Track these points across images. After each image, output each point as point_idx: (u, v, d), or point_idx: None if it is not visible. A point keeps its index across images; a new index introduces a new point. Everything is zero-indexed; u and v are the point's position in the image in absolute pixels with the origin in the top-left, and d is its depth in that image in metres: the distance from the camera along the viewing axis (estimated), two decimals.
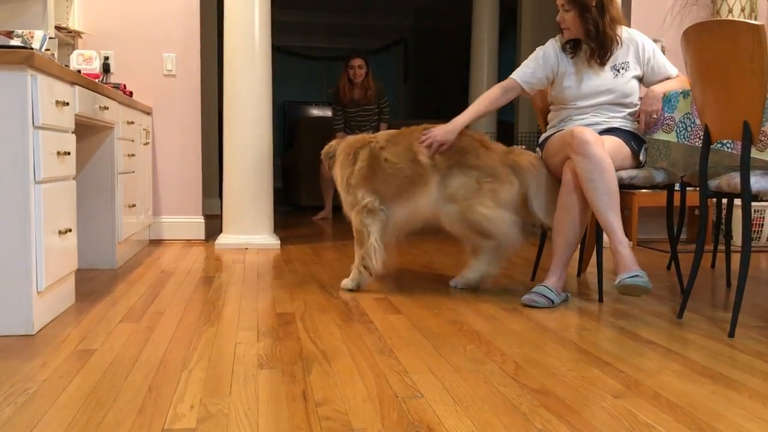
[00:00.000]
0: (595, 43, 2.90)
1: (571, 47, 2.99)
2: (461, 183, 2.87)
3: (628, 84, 2.94)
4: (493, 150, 2.94)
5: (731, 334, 2.29)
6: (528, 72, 3.02)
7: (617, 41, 2.92)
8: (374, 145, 3.02)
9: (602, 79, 2.94)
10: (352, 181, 3.04)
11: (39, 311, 2.30)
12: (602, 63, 2.92)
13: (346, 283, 3.05)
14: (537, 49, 3.08)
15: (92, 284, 3.12)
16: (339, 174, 3.13)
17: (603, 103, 2.94)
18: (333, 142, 3.28)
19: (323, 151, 3.27)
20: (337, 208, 6.52)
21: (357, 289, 3.01)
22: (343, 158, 3.11)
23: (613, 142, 2.83)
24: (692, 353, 2.10)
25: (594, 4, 2.83)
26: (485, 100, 3.06)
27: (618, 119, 2.97)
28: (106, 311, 2.59)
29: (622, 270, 2.57)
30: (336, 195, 6.35)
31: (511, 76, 3.06)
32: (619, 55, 2.94)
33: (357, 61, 5.93)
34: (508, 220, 2.87)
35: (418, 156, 2.92)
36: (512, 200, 2.87)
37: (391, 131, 3.10)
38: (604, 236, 2.74)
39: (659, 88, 2.91)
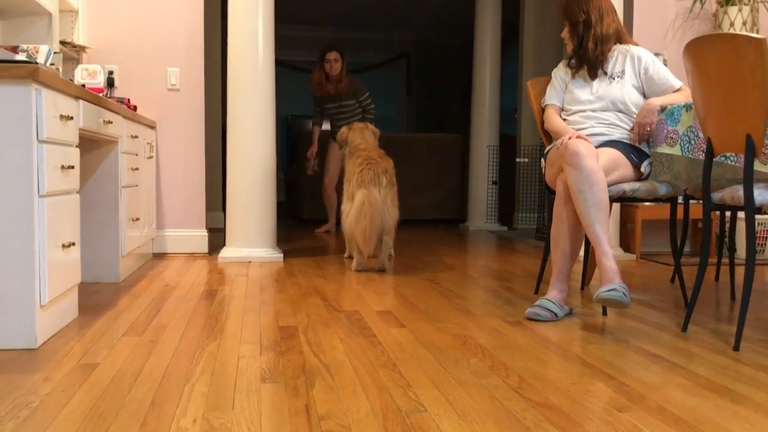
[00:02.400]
0: (578, 58, 3.10)
1: (576, 64, 3.14)
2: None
3: (621, 91, 3.00)
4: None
5: (736, 348, 2.28)
6: (554, 94, 3.22)
7: (603, 56, 3.05)
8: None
9: (596, 87, 3.07)
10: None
11: (42, 325, 2.30)
12: (592, 75, 3.05)
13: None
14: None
15: (95, 298, 3.12)
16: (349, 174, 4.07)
17: (597, 109, 3.01)
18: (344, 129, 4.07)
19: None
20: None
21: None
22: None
23: (611, 154, 2.85)
24: (697, 367, 2.09)
25: (581, 20, 3.03)
26: (561, 121, 3.13)
27: (621, 131, 2.99)
28: (109, 325, 2.59)
29: (604, 282, 2.57)
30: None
31: (547, 103, 3.22)
32: (616, 65, 3.06)
33: (332, 54, 5.86)
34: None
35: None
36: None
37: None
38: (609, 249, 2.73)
39: (657, 101, 2.94)
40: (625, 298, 2.49)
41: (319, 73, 5.93)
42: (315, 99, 6.10)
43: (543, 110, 3.24)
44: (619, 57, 3.06)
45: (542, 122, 3.37)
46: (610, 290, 2.50)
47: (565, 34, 3.09)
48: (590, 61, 3.05)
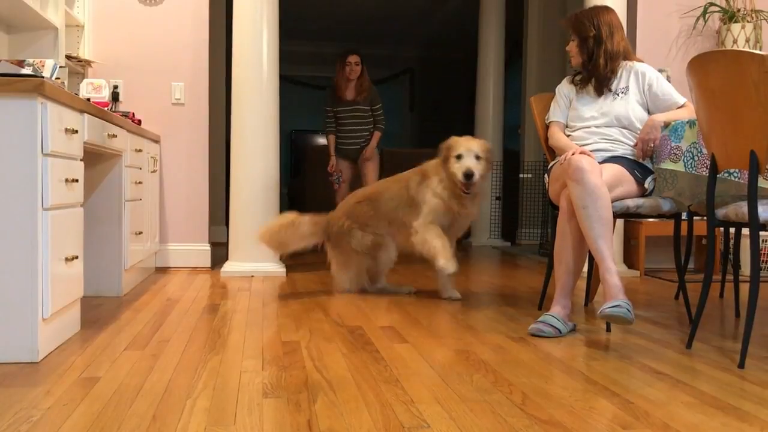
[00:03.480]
0: (586, 72, 3.09)
1: (580, 80, 3.16)
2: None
3: (626, 107, 3.00)
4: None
5: (741, 365, 2.27)
6: (557, 111, 3.22)
7: (613, 74, 3.03)
8: None
9: (600, 103, 3.07)
10: None
11: (44, 338, 2.29)
12: (599, 91, 3.04)
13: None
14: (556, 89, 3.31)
15: (98, 311, 3.11)
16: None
17: (601, 125, 3.01)
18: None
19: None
20: None
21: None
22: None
23: (614, 169, 2.85)
24: (702, 384, 2.07)
25: (591, 35, 3.02)
26: (565, 137, 3.15)
27: (625, 147, 2.99)
28: (111, 339, 2.58)
29: (608, 298, 2.55)
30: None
31: (551, 119, 3.23)
32: (620, 81, 3.08)
33: (353, 58, 5.83)
34: None
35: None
36: None
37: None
38: (612, 265, 2.72)
39: (660, 117, 2.94)
40: (630, 314, 2.48)
41: (341, 77, 5.88)
42: (327, 106, 6.01)
43: (547, 127, 3.24)
44: (623, 73, 3.07)
45: (546, 138, 3.37)
46: (614, 306, 2.49)
47: (572, 48, 3.08)
48: (600, 78, 3.04)
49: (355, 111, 5.92)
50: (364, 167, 6.04)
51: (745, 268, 4.33)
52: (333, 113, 5.95)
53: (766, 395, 1.96)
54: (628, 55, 3.10)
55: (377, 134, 5.99)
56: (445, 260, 3.40)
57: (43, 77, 2.25)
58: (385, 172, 7.52)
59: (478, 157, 3.38)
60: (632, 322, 2.50)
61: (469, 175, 3.32)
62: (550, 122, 3.22)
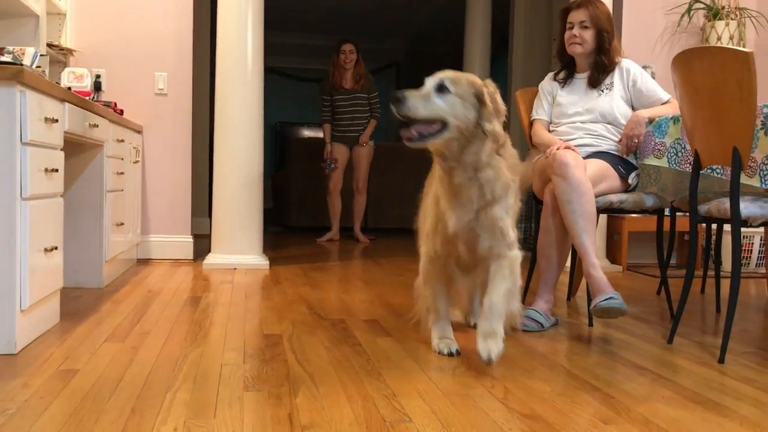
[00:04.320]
0: (593, 63, 3.05)
1: (563, 77, 3.15)
2: None
3: (610, 103, 3.00)
4: None
5: (721, 360, 2.28)
6: (541, 109, 3.20)
7: (612, 67, 3.03)
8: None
9: (585, 98, 3.06)
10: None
11: (22, 330, 2.26)
12: (594, 83, 3.03)
13: (492, 351, 2.12)
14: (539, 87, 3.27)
15: (77, 303, 3.08)
16: (514, 196, 2.27)
17: (586, 121, 3.01)
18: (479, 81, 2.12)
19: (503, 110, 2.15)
20: (345, 229, 6.44)
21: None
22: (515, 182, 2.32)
23: (598, 165, 2.86)
24: (682, 379, 2.08)
25: (609, 29, 3.02)
26: (549, 134, 3.12)
27: (609, 142, 3.00)
28: (90, 331, 2.55)
29: (597, 293, 2.56)
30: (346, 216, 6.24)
31: (534, 117, 3.21)
32: (606, 78, 3.04)
33: (348, 46, 5.89)
34: None
35: None
36: None
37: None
38: (596, 260, 2.72)
39: (644, 113, 2.95)
40: (623, 304, 2.49)
41: (336, 66, 5.91)
42: (324, 95, 6.03)
43: (531, 124, 3.24)
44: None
45: (530, 135, 3.37)
46: (607, 299, 2.49)
47: (584, 35, 2.99)
48: (603, 72, 3.04)
49: (355, 99, 5.96)
50: (357, 155, 6.07)
51: (726, 264, 4.36)
52: (330, 102, 5.96)
53: (745, 390, 1.98)
54: (619, 51, 3.13)
55: (373, 122, 6.06)
56: (435, 340, 2.36)
57: (22, 65, 2.22)
58: (370, 166, 7.50)
59: (441, 88, 2.06)
60: (626, 311, 2.52)
61: (399, 99, 2.04)
62: (533, 120, 3.22)
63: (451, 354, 2.28)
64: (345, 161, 6.06)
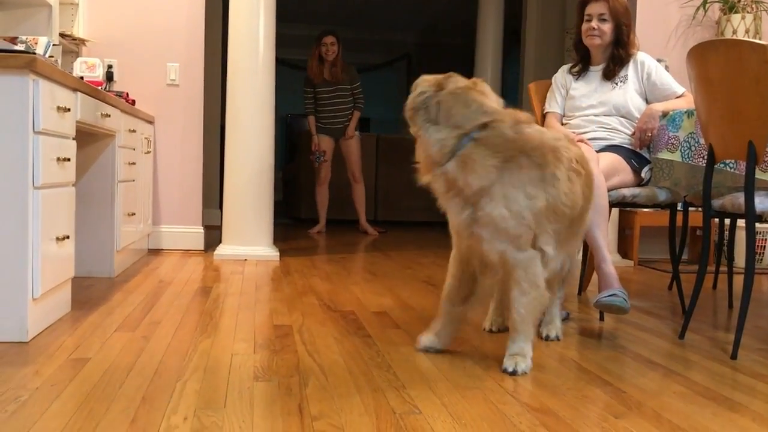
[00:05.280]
0: (616, 51, 3.03)
1: (578, 69, 3.12)
2: None
3: (624, 96, 2.98)
4: None
5: (734, 356, 2.26)
6: (554, 102, 3.18)
7: (628, 60, 3.01)
8: (568, 164, 2.09)
9: (599, 91, 3.05)
10: (538, 209, 2.00)
11: (34, 318, 2.27)
12: (608, 76, 3.01)
13: (518, 365, 2.02)
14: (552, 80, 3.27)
15: (89, 292, 3.09)
16: (508, 185, 1.97)
17: (599, 114, 3.00)
18: (426, 87, 2.06)
19: (411, 101, 2.07)
20: (331, 221, 6.51)
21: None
22: (518, 162, 1.98)
23: (611, 158, 2.85)
24: (694, 374, 2.07)
25: (625, 22, 3.01)
26: (562, 127, 3.10)
27: (622, 136, 2.98)
28: (101, 320, 2.56)
29: (603, 288, 2.55)
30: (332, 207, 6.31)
31: (547, 110, 3.20)
32: (621, 71, 3.02)
33: (329, 38, 5.90)
34: None
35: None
36: None
37: (564, 131, 2.26)
38: (607, 254, 2.71)
39: (659, 107, 2.93)
40: (626, 303, 2.48)
41: (315, 59, 5.94)
42: (307, 87, 6.05)
43: (543, 117, 3.22)
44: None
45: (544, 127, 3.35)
46: (610, 296, 2.48)
47: (603, 28, 2.99)
48: (620, 64, 3.03)
49: (338, 90, 5.99)
50: (346, 146, 6.10)
51: (740, 260, 4.33)
52: (313, 94, 5.99)
53: (757, 386, 1.96)
54: (635, 45, 3.11)
55: (357, 113, 6.08)
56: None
57: (35, 54, 2.22)
58: (380, 159, 7.50)
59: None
60: (628, 311, 2.50)
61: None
62: (546, 113, 3.20)
63: (428, 349, 2.22)
64: (331, 153, 6.10)
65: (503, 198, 1.95)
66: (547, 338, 2.43)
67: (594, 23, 3.00)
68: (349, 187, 6.24)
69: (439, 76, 2.07)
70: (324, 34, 5.94)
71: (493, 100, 2.07)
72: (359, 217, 6.27)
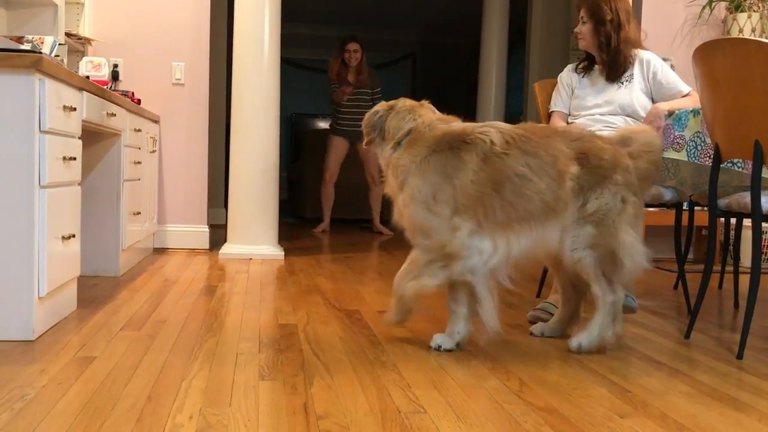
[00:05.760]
0: (606, 56, 2.97)
1: (583, 67, 3.08)
2: (604, 203, 2.23)
3: (630, 95, 2.96)
4: (630, 157, 2.31)
5: (740, 356, 2.26)
6: (559, 101, 3.16)
7: (629, 61, 2.96)
8: (488, 147, 2.19)
9: (605, 91, 3.01)
10: (446, 198, 2.16)
11: (39, 317, 2.28)
12: (611, 78, 2.97)
13: (443, 340, 2.26)
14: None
15: (94, 291, 3.10)
16: (412, 179, 2.20)
17: (605, 113, 2.98)
18: (380, 108, 2.41)
19: (366, 119, 2.42)
20: (335, 220, 6.52)
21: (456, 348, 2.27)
22: (426, 157, 2.20)
23: None
24: (700, 374, 2.06)
25: (609, 18, 2.93)
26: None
27: None
28: (107, 318, 2.57)
29: None
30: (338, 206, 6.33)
31: (553, 109, 3.17)
32: (622, 73, 3.00)
33: (353, 46, 5.92)
34: (644, 257, 2.33)
35: (564, 176, 2.21)
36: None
37: (499, 126, 2.28)
38: None
39: (664, 106, 2.91)
40: (634, 302, 2.48)
41: (337, 62, 5.94)
42: (333, 81, 6.06)
43: (549, 116, 3.21)
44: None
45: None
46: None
47: (583, 30, 2.96)
48: (618, 64, 2.96)
49: (359, 93, 5.97)
50: (365, 150, 6.07)
51: (746, 260, 4.31)
52: (337, 85, 5.98)
53: (763, 386, 1.96)
54: (638, 44, 3.07)
55: None
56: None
57: (41, 53, 2.23)
58: None
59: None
60: (636, 310, 2.50)
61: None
62: (551, 112, 3.19)
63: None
64: (344, 155, 6.11)
65: (408, 188, 2.20)
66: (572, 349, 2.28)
67: (578, 27, 3.01)
68: (362, 188, 6.25)
69: (391, 102, 2.42)
70: (348, 40, 5.97)
71: (425, 110, 2.37)
72: (374, 217, 6.30)
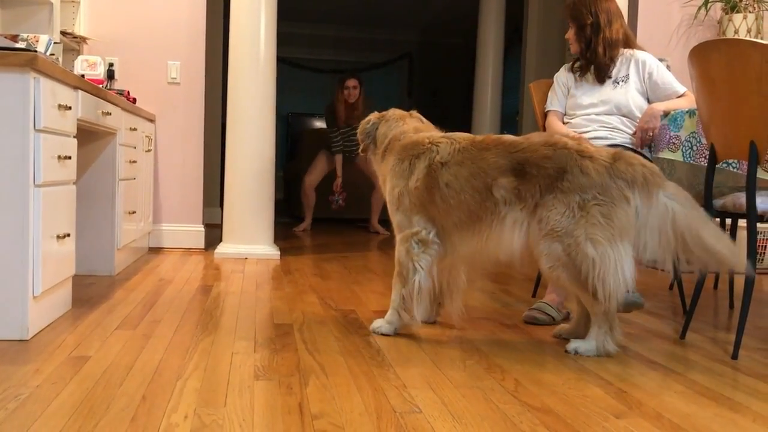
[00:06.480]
0: (584, 60, 3.03)
1: (579, 67, 3.11)
2: (560, 213, 2.18)
3: (625, 95, 2.97)
4: (597, 158, 2.21)
5: (735, 356, 2.26)
6: (555, 100, 3.17)
7: (612, 62, 2.99)
8: (434, 157, 2.37)
9: (600, 90, 3.03)
10: (405, 200, 2.42)
11: (34, 316, 2.27)
12: (599, 79, 3.00)
13: (380, 326, 2.45)
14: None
15: (89, 290, 3.09)
16: (389, 182, 2.50)
17: (601, 113, 2.99)
18: (372, 117, 2.69)
19: (360, 128, 2.69)
20: (318, 220, 6.56)
21: (393, 333, 2.43)
22: (395, 164, 2.47)
23: None
24: (695, 374, 2.07)
25: (589, 22, 2.98)
26: (563, 126, 3.10)
27: (623, 135, 2.97)
28: (102, 318, 2.56)
29: None
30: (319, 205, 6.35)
31: (549, 109, 3.18)
32: (621, 69, 3.03)
33: (352, 82, 6.03)
34: (627, 264, 2.20)
35: (491, 188, 2.27)
36: (631, 226, 2.17)
37: (456, 137, 2.43)
38: None
39: (660, 106, 2.92)
40: (641, 298, 2.49)
41: (340, 101, 6.05)
42: (332, 127, 6.14)
43: (545, 116, 3.22)
44: (624, 61, 3.04)
45: (544, 127, 3.34)
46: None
47: (570, 35, 3.05)
48: (599, 66, 2.99)
49: (353, 130, 6.09)
50: (366, 162, 6.16)
51: None
52: (339, 134, 6.10)
53: (758, 386, 1.96)
54: (629, 42, 3.07)
55: None
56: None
57: (36, 51, 2.22)
58: None
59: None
60: (643, 305, 2.52)
61: None
62: (548, 111, 3.20)
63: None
64: (330, 168, 6.22)
65: (386, 187, 2.52)
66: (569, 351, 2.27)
67: (567, 32, 3.06)
68: (357, 187, 6.32)
69: (384, 111, 2.68)
70: (346, 77, 6.05)
71: (412, 120, 2.62)
72: (372, 217, 6.33)
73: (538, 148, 2.25)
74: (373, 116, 2.68)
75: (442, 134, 2.50)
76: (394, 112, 2.66)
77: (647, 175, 2.19)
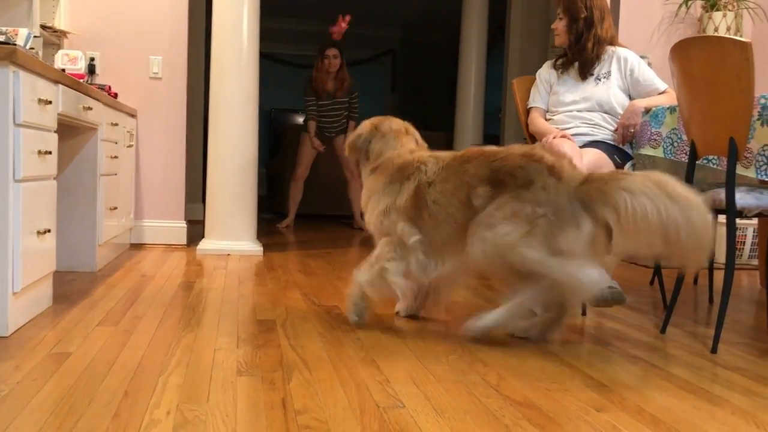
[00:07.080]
0: (572, 54, 3.04)
1: (562, 64, 3.10)
2: (510, 212, 2.18)
3: (607, 92, 2.99)
4: (565, 181, 2.18)
5: (714, 350, 2.29)
6: (538, 97, 3.18)
7: (597, 59, 3.01)
8: (422, 178, 2.41)
9: (582, 87, 3.06)
10: (392, 216, 2.47)
11: (14, 312, 2.25)
12: (582, 75, 3.02)
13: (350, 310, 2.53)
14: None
15: (70, 287, 3.07)
16: (376, 198, 2.53)
17: (582, 109, 3.01)
18: (365, 130, 2.64)
19: (350, 141, 2.66)
20: (301, 216, 6.56)
21: (359, 318, 2.50)
22: (386, 184, 2.50)
23: (594, 154, 2.86)
24: (675, 368, 2.09)
25: (582, 16, 2.96)
26: (545, 122, 3.11)
27: (605, 131, 3.00)
28: (83, 314, 2.54)
29: None
30: (305, 202, 6.33)
31: (531, 105, 3.20)
32: (603, 66, 3.04)
33: (332, 51, 5.98)
34: (563, 271, 2.14)
35: (471, 198, 2.28)
36: (575, 248, 2.13)
37: (441, 155, 2.48)
38: None
39: (641, 103, 2.95)
40: (623, 294, 2.52)
41: (320, 71, 5.99)
42: (309, 96, 6.07)
43: (527, 112, 3.23)
44: (605, 58, 3.06)
45: (527, 123, 3.36)
46: (608, 288, 2.50)
47: (558, 27, 3.02)
48: (585, 61, 3.01)
49: (335, 103, 6.06)
50: (342, 148, 6.10)
51: (720, 255, 4.37)
52: (315, 103, 6.05)
53: (737, 380, 1.99)
54: (614, 41, 3.10)
55: (352, 123, 6.16)
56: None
57: (15, 45, 2.19)
58: None
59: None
60: (625, 302, 2.55)
61: None
62: (530, 108, 3.21)
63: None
64: (315, 155, 6.16)
65: (370, 203, 2.54)
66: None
67: (555, 23, 3.06)
68: (339, 184, 6.27)
69: (376, 120, 2.64)
70: (326, 46, 6.01)
71: (408, 139, 2.61)
72: (354, 212, 6.30)
73: (515, 158, 2.25)
74: (366, 128, 2.63)
75: (430, 153, 2.51)
76: (390, 126, 2.60)
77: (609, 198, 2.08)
